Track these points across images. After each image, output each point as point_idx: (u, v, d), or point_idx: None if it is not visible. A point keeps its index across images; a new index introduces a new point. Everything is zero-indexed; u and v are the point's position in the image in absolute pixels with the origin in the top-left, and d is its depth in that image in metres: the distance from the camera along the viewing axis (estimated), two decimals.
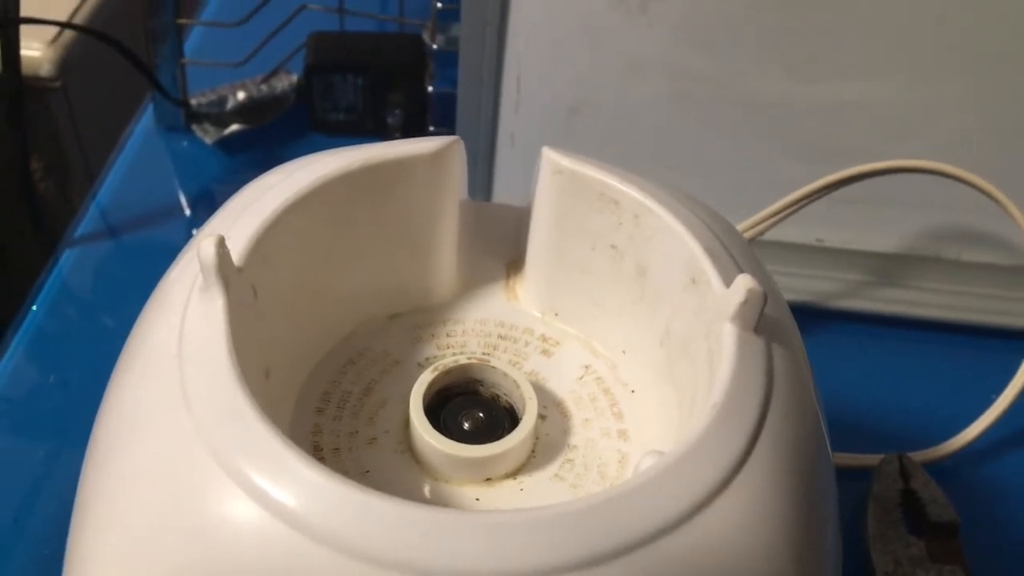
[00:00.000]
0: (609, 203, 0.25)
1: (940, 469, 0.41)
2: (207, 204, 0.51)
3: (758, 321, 0.22)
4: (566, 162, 0.25)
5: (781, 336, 0.23)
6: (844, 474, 0.40)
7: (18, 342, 0.44)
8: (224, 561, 0.19)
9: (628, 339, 0.27)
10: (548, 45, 0.43)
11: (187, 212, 0.50)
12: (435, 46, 0.52)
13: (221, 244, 0.21)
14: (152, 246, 0.48)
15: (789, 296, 0.46)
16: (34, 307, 0.45)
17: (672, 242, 0.24)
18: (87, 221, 0.49)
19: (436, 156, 0.26)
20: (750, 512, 0.20)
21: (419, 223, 0.27)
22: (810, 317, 0.47)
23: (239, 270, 0.22)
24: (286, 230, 0.24)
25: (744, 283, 0.21)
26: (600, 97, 0.44)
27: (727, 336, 0.21)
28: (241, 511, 0.19)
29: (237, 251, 0.22)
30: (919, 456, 0.41)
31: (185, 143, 0.53)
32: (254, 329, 0.23)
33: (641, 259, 0.25)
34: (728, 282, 0.22)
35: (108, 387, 0.23)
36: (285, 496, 0.19)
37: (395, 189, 0.26)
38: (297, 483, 0.19)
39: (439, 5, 0.51)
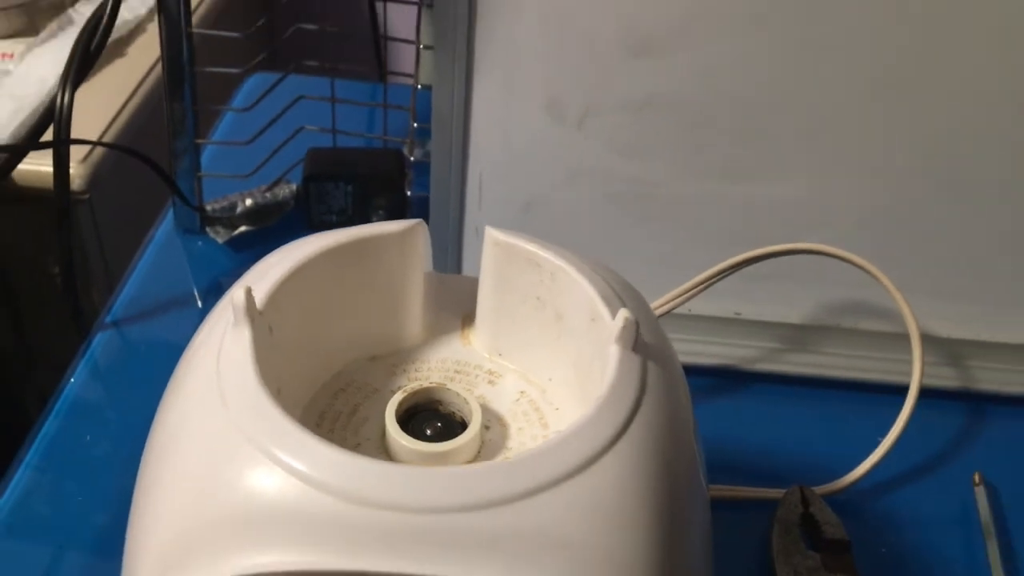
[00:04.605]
0: (533, 266, 0.34)
1: (836, 501, 0.47)
2: (218, 293, 0.59)
3: (635, 342, 0.30)
4: (501, 236, 0.34)
5: (656, 355, 0.31)
6: (756, 504, 0.48)
7: (59, 408, 0.51)
8: (256, 510, 0.26)
9: (553, 369, 0.35)
10: (503, 155, 0.51)
11: (201, 300, 0.59)
12: (413, 158, 0.61)
13: (249, 292, 0.30)
14: (172, 329, 0.56)
15: (713, 361, 0.55)
16: (72, 379, 0.53)
17: (578, 291, 0.33)
18: (116, 308, 0.57)
19: (404, 234, 0.35)
20: (622, 477, 0.27)
21: (393, 286, 0.36)
22: (731, 379, 0.55)
23: (260, 312, 0.30)
24: (293, 287, 0.32)
25: (623, 314, 0.30)
26: (548, 196, 0.52)
27: (611, 353, 0.30)
28: (267, 474, 0.27)
29: (258, 299, 0.31)
30: (819, 490, 0.48)
31: (200, 243, 0.61)
32: (270, 357, 0.31)
33: (558, 307, 0.34)
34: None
35: (163, 397, 0.31)
36: (298, 462, 0.26)
37: (374, 259, 0.34)
38: (308, 452, 0.27)
39: (415, 125, 0.60)
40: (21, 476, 0.48)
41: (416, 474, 0.26)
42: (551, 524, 0.26)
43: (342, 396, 0.35)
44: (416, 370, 0.36)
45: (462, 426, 0.33)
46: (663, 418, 0.30)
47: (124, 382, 0.54)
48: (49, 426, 0.50)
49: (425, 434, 0.32)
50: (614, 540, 0.27)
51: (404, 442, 0.31)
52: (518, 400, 0.35)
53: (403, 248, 0.35)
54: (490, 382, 0.35)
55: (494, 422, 0.34)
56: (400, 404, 0.33)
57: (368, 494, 0.26)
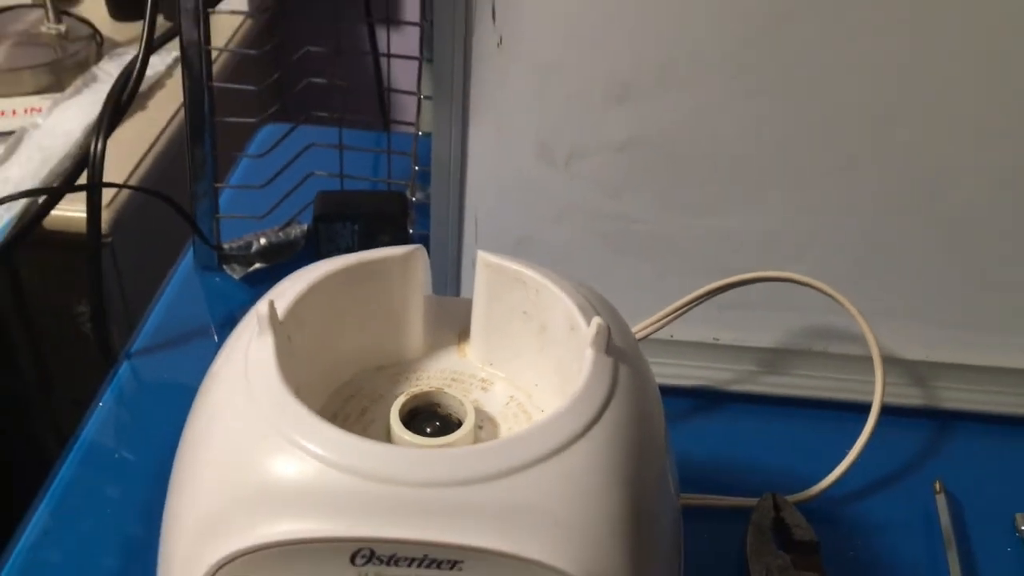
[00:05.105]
0: (519, 284, 0.38)
1: (807, 508, 0.51)
2: (235, 325, 0.63)
3: (607, 346, 0.34)
4: (491, 258, 0.39)
5: (626, 357, 0.35)
6: (733, 512, 0.52)
7: (90, 427, 0.56)
8: (281, 487, 0.31)
9: (538, 376, 0.39)
10: (496, 194, 0.56)
11: (218, 332, 0.63)
12: (415, 199, 0.66)
13: (271, 305, 0.34)
14: (191, 358, 0.61)
15: (694, 383, 0.59)
16: (101, 403, 0.57)
17: (559, 305, 0.37)
18: (141, 339, 0.62)
19: (405, 257, 0.39)
20: (595, 458, 0.32)
21: (397, 303, 0.40)
22: (711, 399, 0.59)
23: (281, 322, 0.35)
24: (309, 303, 0.37)
25: (596, 321, 0.34)
26: (538, 232, 0.57)
27: (587, 356, 0.34)
28: (290, 456, 0.31)
29: (279, 311, 0.35)
30: (791, 498, 0.52)
31: (218, 279, 0.66)
32: (289, 363, 0.35)
33: (543, 319, 0.38)
34: None
35: (197, 395, 0.35)
36: (316, 446, 0.31)
37: (379, 279, 0.39)
38: (324, 438, 0.31)
39: (416, 168, 0.65)
40: (39, 519, 0.51)
41: (418, 454, 0.31)
42: (533, 497, 0.30)
43: (352, 401, 0.39)
44: (417, 379, 0.40)
45: (458, 425, 0.37)
46: (632, 410, 0.34)
47: (147, 408, 0.58)
48: (81, 442, 0.54)
49: (425, 432, 0.37)
50: (588, 512, 0.31)
51: (406, 437, 0.36)
52: (508, 404, 0.39)
53: (405, 270, 0.39)
54: (483, 388, 0.40)
55: (486, 423, 0.38)
56: (403, 406, 0.37)
57: (377, 472, 0.30)
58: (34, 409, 0.91)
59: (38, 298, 0.85)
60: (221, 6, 0.59)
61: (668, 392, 0.57)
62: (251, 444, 0.32)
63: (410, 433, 0.36)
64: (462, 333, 0.42)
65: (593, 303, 0.37)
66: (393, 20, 0.65)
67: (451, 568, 0.30)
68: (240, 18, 1.02)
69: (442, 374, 0.40)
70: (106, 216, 0.77)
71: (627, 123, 0.54)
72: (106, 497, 0.52)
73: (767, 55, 0.51)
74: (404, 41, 0.70)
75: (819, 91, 0.52)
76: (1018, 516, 0.53)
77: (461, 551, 0.30)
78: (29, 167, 0.78)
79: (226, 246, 0.65)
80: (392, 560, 0.30)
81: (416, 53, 0.64)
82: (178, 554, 0.32)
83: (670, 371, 0.59)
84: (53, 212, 0.63)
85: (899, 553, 0.51)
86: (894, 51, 0.51)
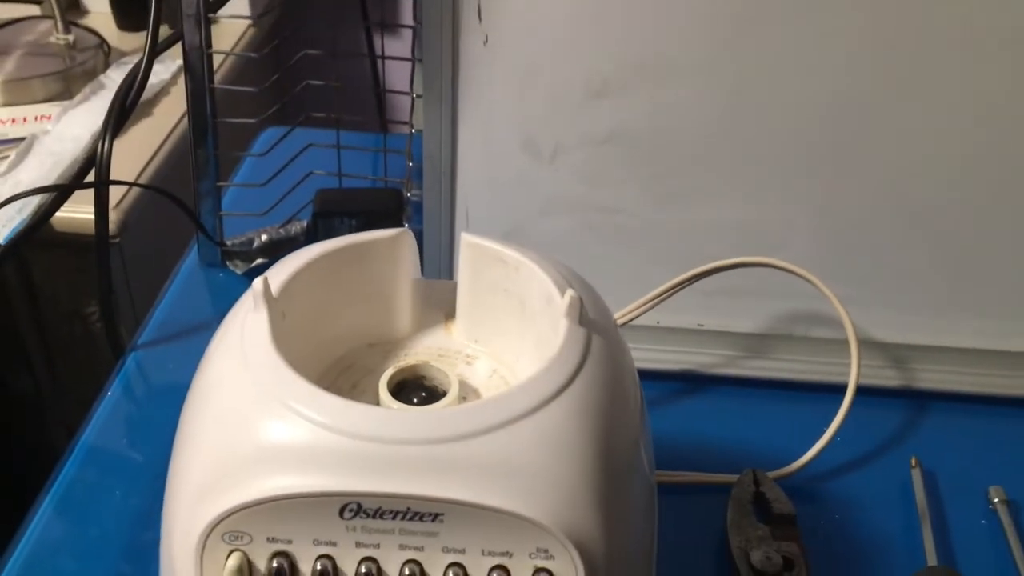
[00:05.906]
0: (500, 262, 0.41)
1: (786, 484, 0.53)
2: None
3: (580, 316, 0.37)
4: (474, 239, 0.41)
5: (598, 328, 0.37)
6: (716, 488, 0.54)
7: (99, 415, 0.58)
8: (273, 446, 0.33)
9: (519, 350, 0.41)
10: (485, 188, 0.58)
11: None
12: (410, 195, 0.68)
13: (266, 281, 0.37)
14: (194, 351, 0.63)
15: (680, 366, 0.61)
16: (109, 392, 0.60)
17: (537, 280, 0.39)
18: (147, 332, 0.64)
19: (393, 239, 0.42)
20: (567, 418, 0.34)
21: (386, 283, 0.42)
22: (696, 382, 0.61)
23: (275, 298, 0.37)
24: (302, 281, 0.39)
25: (569, 293, 0.37)
26: (526, 223, 0.59)
27: (561, 325, 0.36)
28: (280, 418, 0.33)
29: (273, 288, 0.38)
30: (771, 475, 0.54)
31: (221, 274, 0.68)
32: (283, 339, 0.37)
33: (522, 296, 0.41)
34: None
35: (198, 368, 0.38)
36: (306, 408, 0.33)
37: (368, 260, 0.41)
38: (313, 400, 0.33)
39: (411, 165, 0.68)
40: (43, 514, 0.52)
41: (401, 416, 0.33)
42: (508, 453, 0.33)
43: (344, 375, 0.41)
44: (406, 355, 0.43)
45: (443, 396, 0.39)
46: (604, 375, 0.36)
47: (153, 399, 0.60)
48: (91, 429, 0.57)
49: (412, 402, 0.39)
50: (561, 467, 0.33)
51: (394, 406, 0.38)
52: (491, 376, 0.41)
53: (393, 251, 0.42)
54: (467, 363, 0.42)
55: (470, 394, 0.41)
56: (392, 378, 0.39)
57: (363, 431, 0.32)
58: (44, 407, 0.94)
59: (49, 300, 0.88)
60: (223, 11, 0.62)
61: (655, 376, 0.60)
62: (247, 408, 0.34)
63: (397, 403, 0.38)
64: (449, 313, 0.44)
65: (568, 279, 0.40)
66: (388, 23, 0.68)
67: (432, 520, 0.33)
68: (242, 23, 1.05)
69: (429, 350, 0.43)
70: (113, 217, 0.80)
71: (609, 118, 0.56)
72: (111, 488, 0.54)
73: (739, 53, 0.54)
74: (400, 44, 0.73)
75: (789, 87, 0.54)
76: (991, 489, 0.55)
77: (441, 504, 0.32)
78: (40, 171, 0.81)
79: (229, 243, 0.68)
80: (377, 513, 0.32)
81: (410, 55, 0.66)
82: (181, 512, 0.34)
83: (657, 356, 0.61)
84: (62, 213, 0.65)
85: (876, 525, 0.53)
86: (863, 48, 0.53)
